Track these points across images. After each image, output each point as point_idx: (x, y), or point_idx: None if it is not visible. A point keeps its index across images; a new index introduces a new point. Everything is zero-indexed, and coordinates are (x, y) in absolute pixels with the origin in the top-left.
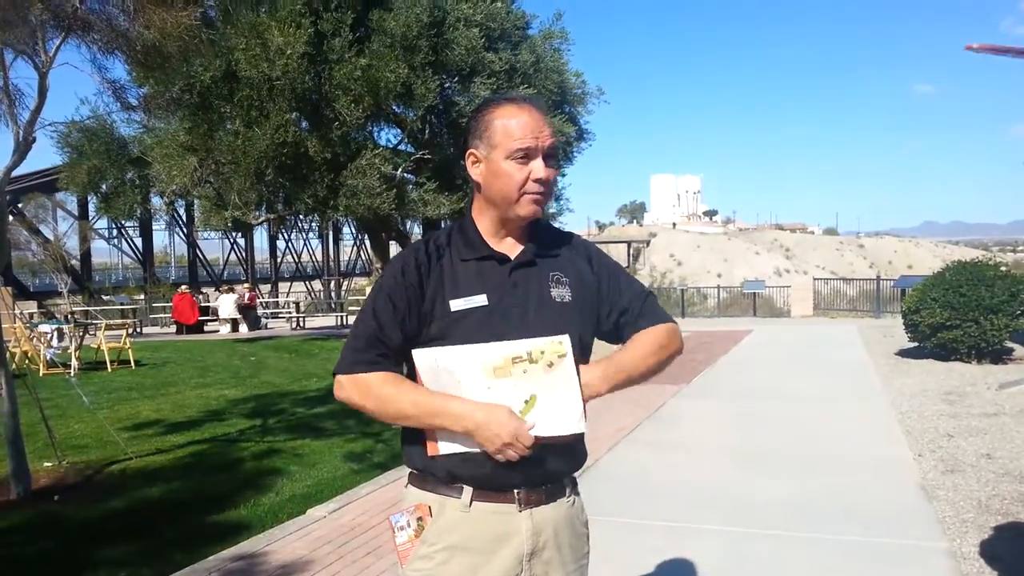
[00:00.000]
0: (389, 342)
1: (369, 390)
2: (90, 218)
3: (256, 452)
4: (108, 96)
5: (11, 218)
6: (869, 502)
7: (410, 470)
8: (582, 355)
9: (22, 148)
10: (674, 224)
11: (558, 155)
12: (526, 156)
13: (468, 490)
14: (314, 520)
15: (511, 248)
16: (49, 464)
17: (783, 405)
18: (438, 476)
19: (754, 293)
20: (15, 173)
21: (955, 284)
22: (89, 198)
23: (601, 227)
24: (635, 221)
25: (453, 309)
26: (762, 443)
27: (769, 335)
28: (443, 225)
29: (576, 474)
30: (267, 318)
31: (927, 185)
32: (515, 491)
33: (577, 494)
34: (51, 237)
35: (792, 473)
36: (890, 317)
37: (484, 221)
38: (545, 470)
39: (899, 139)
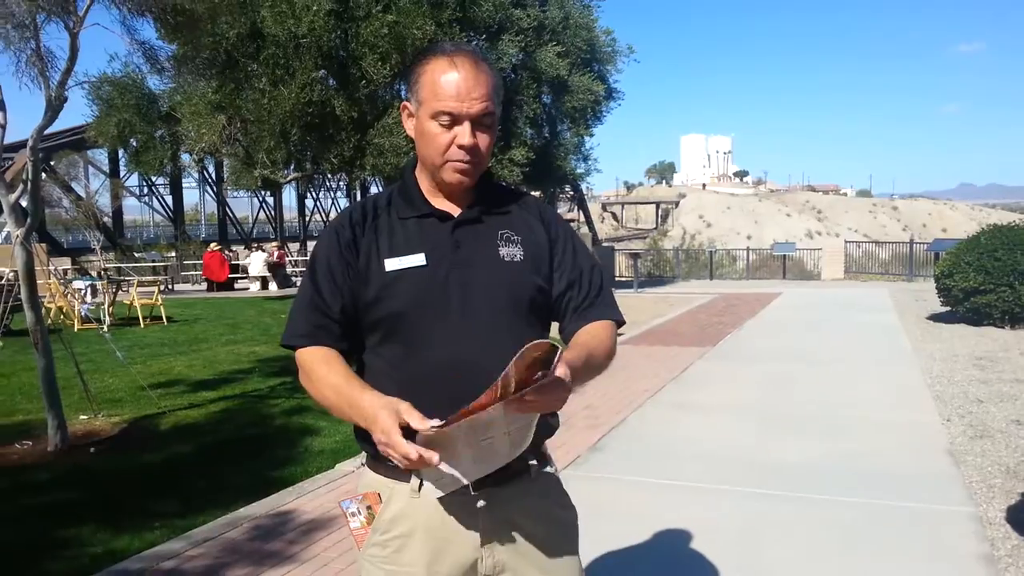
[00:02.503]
0: (329, 310)
1: (302, 368)
2: (121, 175)
3: (286, 408)
4: (138, 57)
5: (43, 175)
6: (895, 466)
7: (364, 451)
8: (538, 318)
9: (54, 107)
10: (704, 185)
11: (493, 121)
12: (451, 120)
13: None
14: (343, 474)
15: (455, 206)
16: (85, 417)
17: (810, 368)
18: (390, 459)
19: (784, 255)
20: (47, 131)
21: (990, 248)
22: (120, 156)
23: (629, 187)
24: (664, 182)
25: (388, 269)
26: (788, 406)
27: (798, 298)
28: None
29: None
30: (296, 276)
31: (964, 147)
32: None
33: (546, 468)
34: (83, 194)
35: (818, 436)
36: (923, 281)
37: (425, 179)
38: None
39: (938, 100)
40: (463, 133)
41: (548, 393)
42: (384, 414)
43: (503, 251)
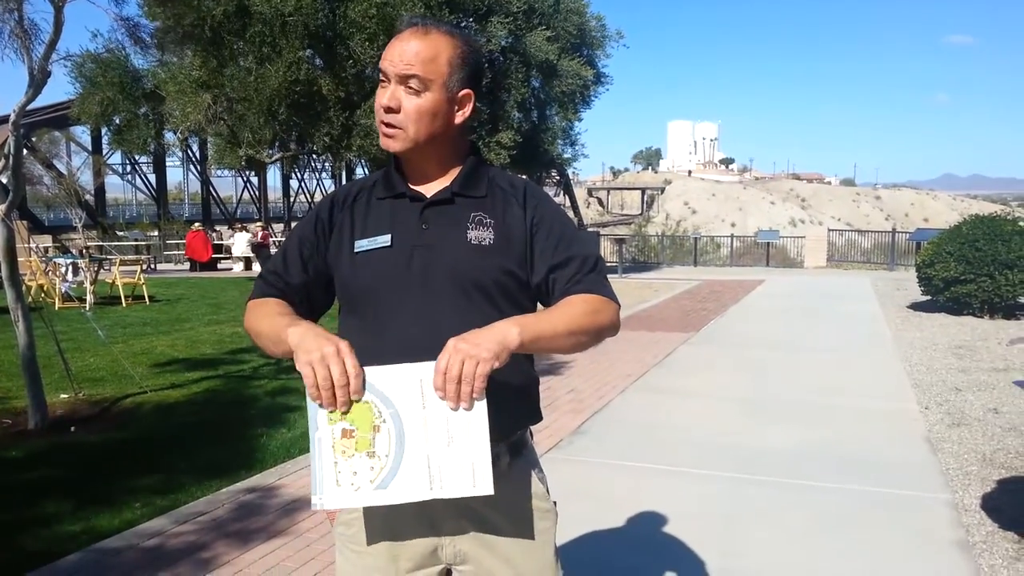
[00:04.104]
0: (290, 280)
1: (250, 310)
2: (103, 153)
3: (269, 389)
4: (122, 33)
5: (25, 152)
6: (874, 453)
7: None
8: (509, 303)
9: (37, 82)
10: (690, 172)
11: (423, 86)
12: (385, 80)
13: None
14: None
15: (434, 188)
16: (65, 396)
17: (792, 355)
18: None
19: (768, 243)
20: (29, 107)
21: (971, 238)
22: (103, 133)
23: (615, 173)
24: (650, 168)
25: (356, 250)
26: (769, 392)
27: (781, 285)
28: None
29: (526, 434)
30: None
31: (948, 138)
32: None
33: (521, 461)
34: (64, 172)
35: (798, 422)
36: (904, 270)
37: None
38: None
39: (924, 90)
40: (386, 92)
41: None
42: (316, 338)
43: (471, 234)
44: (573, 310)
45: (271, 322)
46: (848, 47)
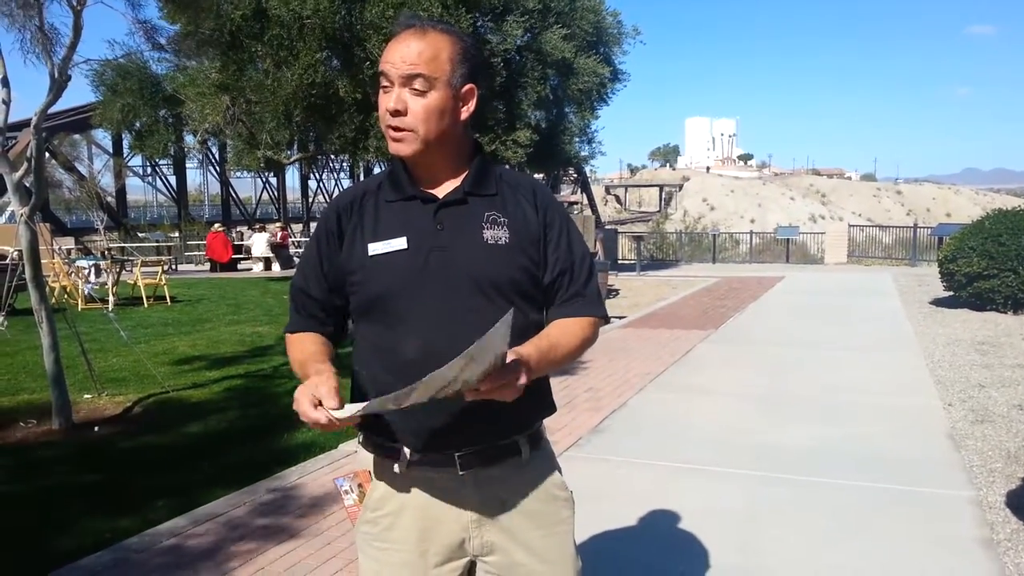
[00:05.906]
0: (316, 297)
1: (288, 349)
2: (124, 156)
3: (289, 388)
4: (140, 37)
5: (47, 155)
6: (896, 450)
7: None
8: (525, 301)
9: (58, 86)
10: (708, 168)
11: (429, 85)
12: (388, 83)
13: (406, 452)
14: (345, 455)
15: (442, 188)
16: (89, 396)
17: (812, 352)
18: (379, 437)
19: (787, 239)
20: (50, 111)
21: (994, 233)
22: (123, 136)
23: (633, 170)
24: (668, 165)
25: (371, 254)
26: (789, 389)
27: (801, 282)
28: None
29: (542, 427)
30: (299, 257)
31: (970, 131)
32: (455, 453)
33: (540, 453)
34: (86, 174)
35: (819, 420)
36: (926, 266)
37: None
38: (490, 428)
39: (946, 84)
40: (390, 96)
41: (499, 380)
42: (301, 391)
43: (487, 234)
44: (572, 343)
45: (301, 370)
46: (868, 41)
